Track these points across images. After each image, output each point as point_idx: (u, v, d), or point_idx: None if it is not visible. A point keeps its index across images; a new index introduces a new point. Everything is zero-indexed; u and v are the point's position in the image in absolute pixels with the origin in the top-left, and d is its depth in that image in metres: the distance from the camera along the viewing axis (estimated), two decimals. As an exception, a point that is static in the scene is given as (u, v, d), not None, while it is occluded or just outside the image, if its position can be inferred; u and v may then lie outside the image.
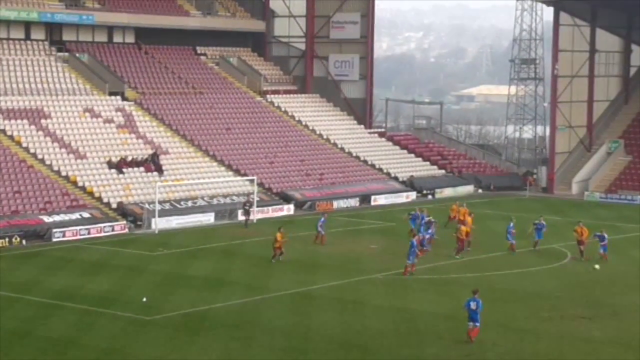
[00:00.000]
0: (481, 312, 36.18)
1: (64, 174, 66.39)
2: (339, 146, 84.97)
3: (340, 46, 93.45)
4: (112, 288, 44.78)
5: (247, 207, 64.11)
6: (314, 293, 44.22)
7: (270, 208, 68.86)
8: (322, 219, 57.62)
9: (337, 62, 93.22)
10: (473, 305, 36.04)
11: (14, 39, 78.80)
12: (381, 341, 36.26)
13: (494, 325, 38.26)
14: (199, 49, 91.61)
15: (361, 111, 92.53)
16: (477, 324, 35.99)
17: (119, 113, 76.15)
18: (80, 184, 65.89)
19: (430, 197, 79.99)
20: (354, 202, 74.35)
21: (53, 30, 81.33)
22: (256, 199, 66.84)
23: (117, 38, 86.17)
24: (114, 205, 64.33)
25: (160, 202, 63.12)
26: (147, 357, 34.19)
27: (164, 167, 70.88)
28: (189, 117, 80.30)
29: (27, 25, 79.54)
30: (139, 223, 62.51)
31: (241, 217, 64.66)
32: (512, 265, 51.08)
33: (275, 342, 36.11)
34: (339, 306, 41.62)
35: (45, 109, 72.86)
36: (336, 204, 73.00)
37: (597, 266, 50.03)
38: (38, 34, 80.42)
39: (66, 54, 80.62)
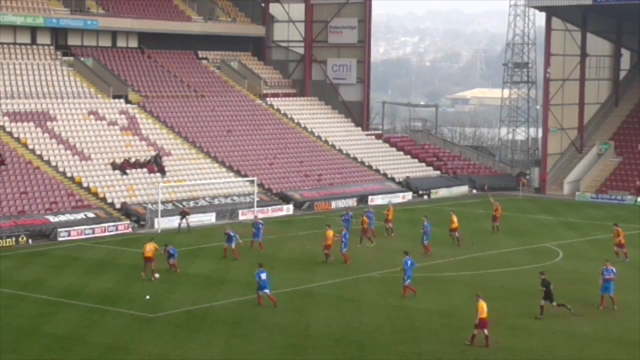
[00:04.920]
0: (270, 282, 40.98)
1: (69, 175, 66.84)
2: (337, 148, 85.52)
3: (338, 50, 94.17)
4: (116, 286, 45.16)
5: (183, 215, 62.34)
6: (313, 291, 44.65)
7: (270, 208, 69.48)
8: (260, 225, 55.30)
9: (335, 66, 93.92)
10: (263, 276, 41.10)
11: (20, 44, 79.20)
12: (378, 338, 36.64)
13: (488, 322, 39.34)
14: (201, 53, 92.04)
15: (358, 114, 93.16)
16: (267, 291, 40.99)
17: (122, 116, 76.56)
18: (85, 184, 66.30)
19: (425, 197, 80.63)
20: (351, 202, 74.58)
21: (58, 35, 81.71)
22: (256, 199, 67.51)
23: (121, 43, 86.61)
24: (118, 206, 64.71)
25: (162, 203, 63.63)
26: (150, 354, 34.46)
27: (166, 168, 71.37)
28: (191, 119, 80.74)
29: (33, 30, 79.92)
30: (142, 223, 62.89)
31: (176, 223, 62.06)
32: (505, 264, 51.34)
33: (274, 339, 36.38)
34: (337, 304, 41.96)
35: (51, 111, 73.30)
36: (334, 204, 73.41)
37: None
38: (44, 38, 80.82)
39: (71, 58, 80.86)
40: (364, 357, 34.65)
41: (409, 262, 43.68)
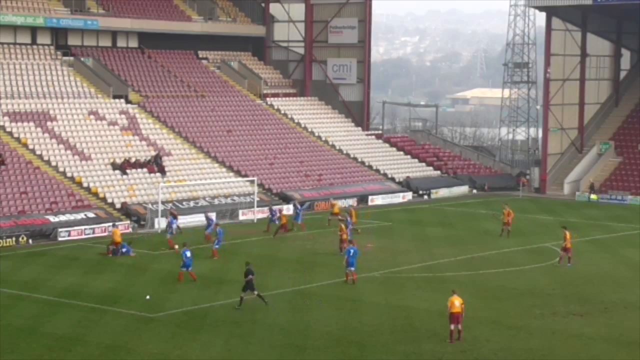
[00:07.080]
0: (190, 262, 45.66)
1: (69, 175, 66.82)
2: (337, 148, 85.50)
3: (338, 50, 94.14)
4: (116, 286, 45.22)
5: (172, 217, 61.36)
6: (312, 291, 44.63)
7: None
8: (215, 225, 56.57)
9: (335, 66, 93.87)
10: (188, 254, 45.73)
11: (20, 44, 79.17)
12: (378, 338, 36.64)
13: (488, 322, 38.92)
14: (201, 53, 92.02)
15: (359, 114, 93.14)
16: (188, 268, 45.86)
17: (122, 116, 76.56)
18: (85, 184, 66.28)
19: (426, 197, 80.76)
20: (352, 202, 74.42)
21: (58, 35, 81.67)
22: (256, 199, 67.55)
23: (121, 42, 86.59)
24: (118, 206, 64.69)
25: (162, 203, 63.45)
26: (150, 354, 34.46)
27: (166, 169, 71.32)
28: (191, 119, 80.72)
29: (34, 30, 79.89)
30: (142, 223, 62.82)
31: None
32: (506, 264, 51.38)
33: (274, 339, 36.38)
34: (337, 304, 41.92)
35: (51, 111, 73.28)
36: (334, 205, 74.19)
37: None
38: (44, 38, 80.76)
39: (71, 58, 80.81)
40: (364, 357, 34.62)
41: (352, 251, 46.23)
